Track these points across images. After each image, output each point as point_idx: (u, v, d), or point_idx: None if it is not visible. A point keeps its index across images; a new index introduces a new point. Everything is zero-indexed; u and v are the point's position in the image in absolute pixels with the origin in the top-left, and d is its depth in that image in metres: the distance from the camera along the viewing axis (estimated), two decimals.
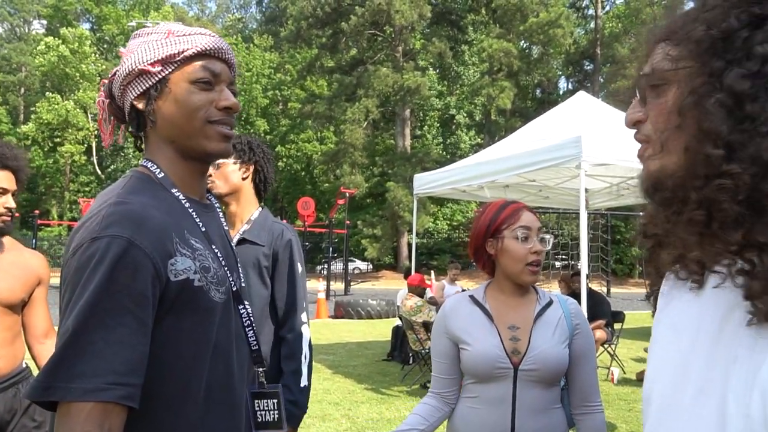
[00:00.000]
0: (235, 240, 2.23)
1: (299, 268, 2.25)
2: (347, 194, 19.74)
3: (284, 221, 2.45)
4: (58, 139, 36.95)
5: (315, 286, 16.40)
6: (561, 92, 39.65)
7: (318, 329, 11.67)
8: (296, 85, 39.63)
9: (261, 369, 1.29)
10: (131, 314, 0.95)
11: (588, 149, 5.35)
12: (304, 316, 2.21)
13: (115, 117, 1.22)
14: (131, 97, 1.14)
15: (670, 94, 0.75)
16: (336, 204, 20.30)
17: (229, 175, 2.27)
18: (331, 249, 19.89)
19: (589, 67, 39.54)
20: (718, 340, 0.70)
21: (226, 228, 1.30)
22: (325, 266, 20.33)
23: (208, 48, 1.15)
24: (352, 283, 22.60)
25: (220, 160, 2.26)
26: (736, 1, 0.69)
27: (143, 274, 0.97)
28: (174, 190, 1.14)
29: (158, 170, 1.15)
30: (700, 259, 0.76)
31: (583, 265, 5.73)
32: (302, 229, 19.25)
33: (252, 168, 2.31)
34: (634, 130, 0.83)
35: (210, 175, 2.27)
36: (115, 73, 1.17)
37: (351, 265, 30.42)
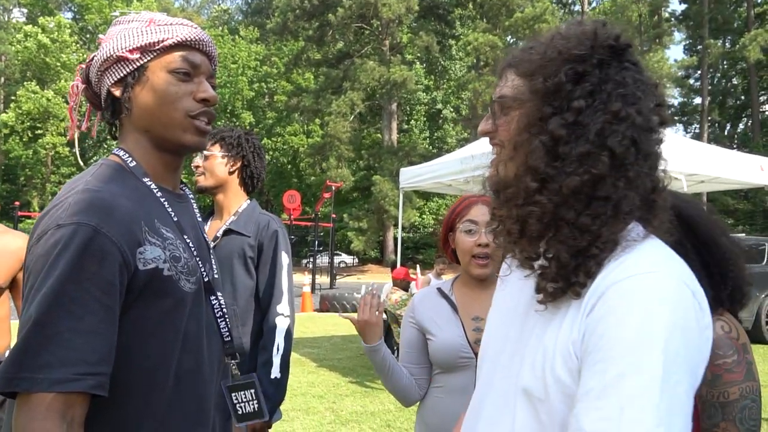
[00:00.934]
0: (221, 230, 2.23)
1: (285, 259, 2.25)
2: (333, 187, 19.69)
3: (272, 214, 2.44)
4: (39, 131, 36.40)
5: (300, 279, 16.40)
6: None
7: (303, 322, 11.66)
8: (283, 78, 39.39)
9: (233, 361, 1.27)
10: (98, 302, 0.94)
11: None
12: (281, 308, 2.19)
13: (91, 103, 1.20)
14: (108, 83, 1.13)
15: (513, 120, 0.92)
16: (322, 197, 20.22)
17: (216, 167, 2.28)
18: (316, 242, 19.83)
19: None
20: (526, 318, 0.93)
21: (200, 219, 1.29)
22: (311, 260, 20.28)
23: (189, 39, 1.14)
24: (337, 277, 22.57)
25: (209, 152, 2.26)
26: (566, 57, 0.86)
27: (110, 262, 0.96)
28: (146, 179, 1.13)
29: (130, 159, 1.14)
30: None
31: None
32: (288, 222, 19.17)
33: (239, 163, 2.32)
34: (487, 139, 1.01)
35: (198, 166, 2.27)
36: (93, 59, 1.15)
37: (337, 259, 30.39)
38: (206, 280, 1.17)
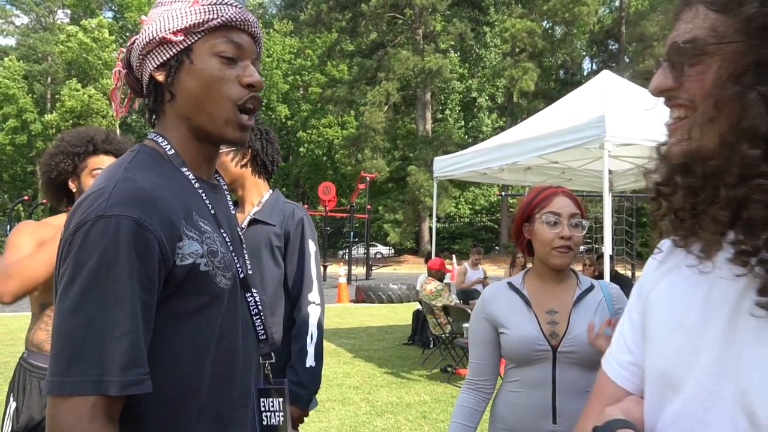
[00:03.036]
0: (246, 221, 2.21)
1: (312, 247, 2.24)
2: (368, 178, 19.71)
3: (305, 206, 2.42)
4: (82, 127, 37.44)
5: (336, 270, 16.47)
6: (585, 73, 38.92)
7: (339, 314, 11.72)
8: (317, 70, 39.54)
9: (268, 361, 1.22)
10: (142, 300, 0.90)
11: (612, 129, 5.20)
12: (312, 296, 2.19)
13: (132, 89, 1.14)
14: (151, 67, 1.07)
15: (710, 69, 0.71)
16: (357, 188, 20.27)
17: (227, 165, 2.25)
18: (352, 234, 19.92)
19: (614, 47, 38.70)
20: (733, 323, 0.71)
21: (233, 211, 1.23)
22: (347, 251, 20.38)
23: (234, 19, 1.06)
24: (373, 268, 22.64)
25: None
26: None
27: (152, 257, 0.92)
28: (184, 169, 1.08)
29: (168, 146, 1.08)
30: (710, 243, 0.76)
31: (607, 248, 5.60)
32: (323, 213, 19.29)
33: (249, 153, 2.28)
34: (661, 99, 0.79)
35: None
36: (134, 42, 1.08)
37: (373, 250, 30.50)
38: (242, 276, 1.12)
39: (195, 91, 1.05)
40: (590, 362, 1.70)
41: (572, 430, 1.63)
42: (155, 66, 1.06)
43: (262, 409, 1.22)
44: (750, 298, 0.69)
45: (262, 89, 1.10)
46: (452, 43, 35.91)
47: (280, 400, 1.23)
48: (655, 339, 0.84)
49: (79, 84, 36.55)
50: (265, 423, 1.21)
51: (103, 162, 2.12)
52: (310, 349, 2.10)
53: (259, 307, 1.16)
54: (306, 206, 2.59)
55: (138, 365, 0.88)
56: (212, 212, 1.08)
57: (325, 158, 39.63)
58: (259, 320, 1.16)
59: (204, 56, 1.05)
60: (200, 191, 1.08)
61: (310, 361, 2.09)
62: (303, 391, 2.05)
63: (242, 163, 2.26)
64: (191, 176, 1.08)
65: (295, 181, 41.82)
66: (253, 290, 1.16)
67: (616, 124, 5.25)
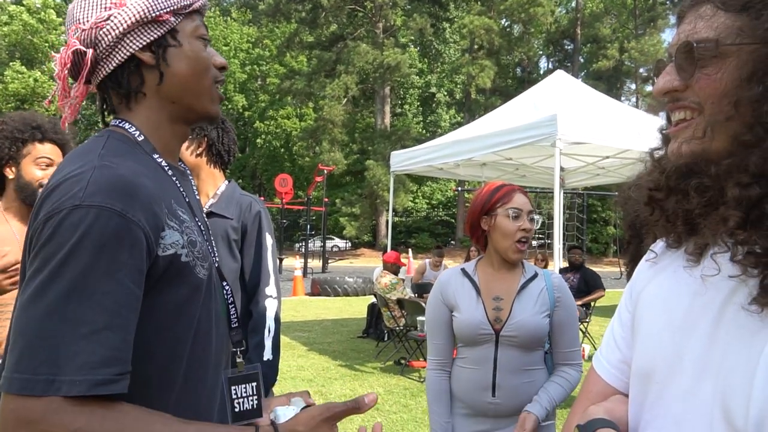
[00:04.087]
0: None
1: (269, 240, 2.23)
2: (325, 171, 19.61)
3: (261, 198, 2.40)
4: (25, 111, 35.95)
5: (292, 263, 16.36)
6: (541, 71, 39.67)
7: (294, 306, 11.65)
8: (275, 61, 39.03)
9: (239, 348, 1.18)
10: (132, 294, 0.86)
11: (563, 128, 5.34)
12: (269, 290, 2.19)
13: (74, 73, 1.03)
14: (134, 48, 0.99)
15: (725, 70, 0.71)
16: (314, 181, 20.14)
17: (182, 154, 2.21)
18: (308, 226, 19.79)
19: (569, 47, 39.57)
20: (718, 324, 0.72)
21: (198, 198, 1.19)
22: (303, 244, 20.25)
23: (204, 3, 1.08)
24: (330, 261, 22.57)
25: None
26: None
27: (139, 249, 0.86)
28: (155, 156, 1.03)
29: (138, 132, 1.02)
30: (706, 243, 0.77)
31: (557, 244, 5.76)
32: (280, 206, 19.10)
33: (204, 143, 2.25)
34: (665, 100, 0.78)
35: None
36: (107, 18, 0.98)
37: (330, 243, 30.39)
38: (217, 265, 1.09)
39: (186, 73, 1.03)
40: (528, 344, 1.94)
41: (509, 402, 1.89)
42: (141, 46, 0.99)
43: (234, 396, 1.18)
44: (738, 300, 0.70)
45: (227, 70, 1.12)
46: (412, 38, 36.05)
47: (253, 384, 1.20)
48: (642, 338, 0.86)
49: (24, 67, 35.04)
50: (237, 410, 1.19)
51: (48, 151, 2.03)
52: (268, 343, 2.11)
53: (232, 297, 1.15)
54: (262, 198, 2.58)
55: (109, 364, 0.81)
56: (187, 200, 1.05)
57: (282, 150, 39.20)
58: (233, 309, 1.14)
59: (189, 38, 1.04)
60: (174, 178, 1.04)
61: (267, 355, 2.09)
62: None
63: (198, 152, 2.23)
64: (164, 163, 1.03)
65: (252, 173, 41.24)
66: (225, 280, 1.14)
67: (567, 123, 5.39)
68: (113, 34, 0.98)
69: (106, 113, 1.07)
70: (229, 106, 39.03)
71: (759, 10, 0.69)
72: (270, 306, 2.17)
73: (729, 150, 0.71)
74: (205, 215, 2.16)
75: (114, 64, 1.00)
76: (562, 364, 2.00)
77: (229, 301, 1.14)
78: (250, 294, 2.19)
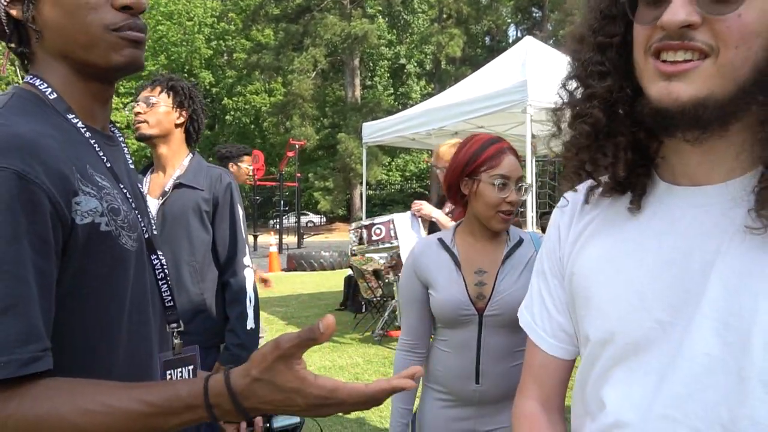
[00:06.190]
0: (169, 185, 2.16)
1: (240, 211, 2.24)
2: (297, 146, 19.40)
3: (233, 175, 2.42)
4: None
5: (267, 240, 16.26)
6: (510, 40, 39.59)
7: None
8: (241, 35, 38.16)
9: (176, 328, 1.09)
10: (36, 267, 0.77)
11: (534, 93, 5.35)
12: (246, 260, 2.21)
13: None
14: (3, 2, 0.90)
15: (752, 7, 0.66)
16: (286, 156, 19.93)
17: (163, 117, 2.17)
18: (282, 203, 19.64)
19: (537, 14, 39.50)
20: (725, 257, 0.71)
21: (132, 166, 1.10)
22: (278, 220, 20.11)
23: None
24: (305, 236, 22.51)
25: (155, 99, 2.15)
26: None
27: (42, 214, 0.77)
28: (70, 116, 0.92)
29: (49, 90, 0.92)
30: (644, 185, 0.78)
31: (530, 211, 5.83)
32: (252, 183, 18.89)
33: (187, 115, 2.22)
34: (666, 34, 0.70)
35: (139, 113, 2.16)
36: None
37: (304, 219, 30.27)
38: (147, 237, 1.01)
39: (60, 22, 0.89)
40: (516, 323, 1.67)
41: (494, 389, 1.68)
42: (6, 1, 0.90)
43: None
44: (738, 223, 0.70)
45: (143, 10, 0.94)
46: (380, 8, 35.51)
47: (190, 367, 1.11)
48: (601, 304, 0.82)
49: None
50: None
51: None
52: (250, 312, 2.14)
53: (166, 270, 1.05)
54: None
55: (28, 341, 0.74)
56: (108, 165, 0.95)
57: (252, 126, 38.61)
58: (165, 285, 1.05)
59: None
60: (92, 141, 0.94)
61: (250, 324, 2.12)
62: (246, 353, 2.09)
63: (178, 121, 2.21)
64: (80, 124, 0.93)
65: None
66: (159, 252, 1.04)
67: (538, 89, 5.40)
68: None
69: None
70: (196, 83, 38.16)
71: None
72: (248, 275, 2.19)
73: (735, 97, 0.68)
74: (169, 187, 2.15)
75: (2, 21, 0.92)
76: None
77: (159, 277, 1.04)
78: (225, 265, 2.20)
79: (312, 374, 0.76)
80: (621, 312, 0.79)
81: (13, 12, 0.91)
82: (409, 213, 3.38)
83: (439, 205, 3.54)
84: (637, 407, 0.76)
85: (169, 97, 2.17)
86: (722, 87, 0.68)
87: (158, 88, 2.17)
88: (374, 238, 4.84)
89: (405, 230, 3.55)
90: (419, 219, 3.56)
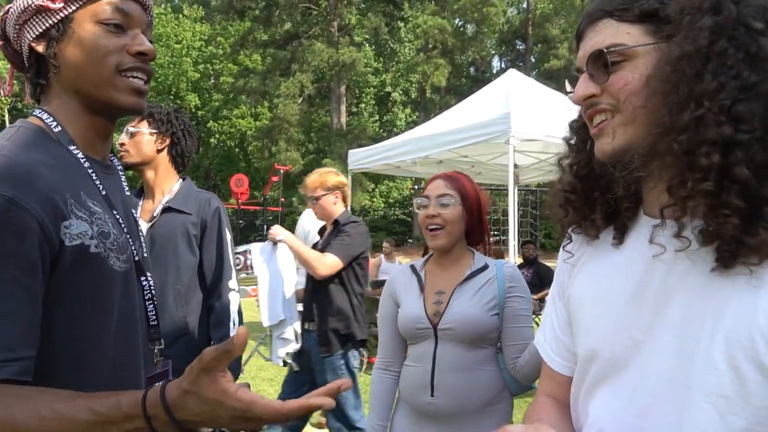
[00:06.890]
0: (158, 210, 2.19)
1: (227, 235, 2.28)
2: (281, 171, 19.43)
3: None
4: None
5: None
6: (494, 71, 40.32)
7: (252, 306, 11.51)
8: (229, 59, 38.39)
9: (158, 347, 1.17)
10: (19, 284, 0.84)
11: (517, 125, 5.48)
12: (232, 284, 2.23)
13: (13, 63, 1.07)
14: (29, 38, 1.00)
15: (634, 69, 0.81)
16: (270, 181, 19.94)
17: (144, 145, 2.23)
18: (265, 227, 19.54)
19: (521, 47, 40.34)
20: (684, 290, 0.80)
21: (128, 193, 1.20)
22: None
23: None
24: None
25: (134, 129, 2.21)
26: None
27: (30, 238, 0.85)
28: (72, 147, 1.02)
29: (54, 123, 1.02)
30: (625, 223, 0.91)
31: (511, 240, 5.90)
32: (236, 206, 18.83)
33: (168, 140, 2.27)
34: (583, 107, 0.89)
35: (123, 144, 2.22)
36: (8, 11, 1.01)
37: None
38: (137, 259, 1.09)
39: (79, 61, 0.99)
40: (470, 339, 1.79)
41: (448, 403, 1.79)
42: (34, 36, 0.99)
43: None
44: (699, 268, 0.79)
45: (153, 58, 1.05)
46: (367, 36, 36.06)
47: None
48: (586, 323, 0.95)
49: None
50: None
51: None
52: (233, 335, 2.15)
53: (153, 291, 1.14)
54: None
55: (15, 350, 0.82)
56: (103, 193, 1.04)
57: (237, 150, 38.60)
58: (152, 305, 1.13)
59: (86, 24, 0.99)
60: (90, 171, 1.03)
61: None
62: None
63: (159, 147, 2.25)
64: (80, 155, 1.02)
65: (206, 173, 40.45)
66: (148, 274, 1.13)
67: (521, 121, 5.53)
68: (11, 25, 1.01)
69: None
70: (182, 105, 38.21)
71: (653, 17, 0.80)
72: (233, 299, 2.21)
73: (650, 135, 0.80)
74: (158, 212, 2.18)
75: (24, 55, 1.02)
76: (516, 358, 1.80)
77: (147, 297, 1.12)
78: (211, 288, 2.22)
79: (234, 386, 0.79)
80: (603, 331, 0.90)
81: (38, 48, 1.01)
82: (268, 243, 3.35)
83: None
84: (614, 418, 0.86)
85: (149, 125, 2.23)
86: (636, 133, 0.82)
87: (138, 118, 2.22)
88: (238, 267, 4.76)
89: (260, 261, 3.50)
90: (276, 246, 3.48)
